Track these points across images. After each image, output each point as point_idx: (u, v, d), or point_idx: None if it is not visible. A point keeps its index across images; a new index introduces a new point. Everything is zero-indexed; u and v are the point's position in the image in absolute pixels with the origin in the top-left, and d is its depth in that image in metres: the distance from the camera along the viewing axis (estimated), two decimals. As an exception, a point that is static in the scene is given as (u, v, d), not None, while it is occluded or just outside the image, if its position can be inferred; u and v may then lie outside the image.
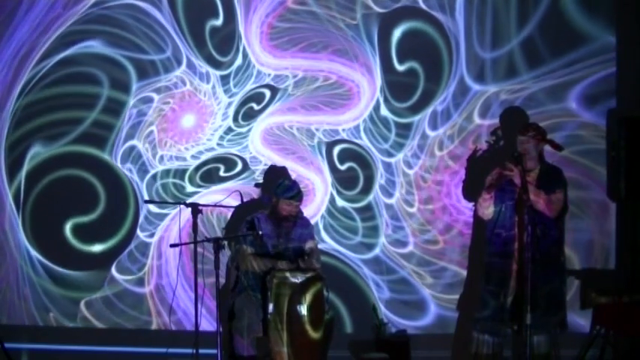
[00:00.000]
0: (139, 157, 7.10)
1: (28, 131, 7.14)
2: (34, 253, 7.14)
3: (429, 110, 7.00)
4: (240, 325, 6.11)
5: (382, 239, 7.04)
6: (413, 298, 7.03)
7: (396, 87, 7.01)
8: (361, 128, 7.03)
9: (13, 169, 7.15)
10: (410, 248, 7.03)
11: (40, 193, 7.15)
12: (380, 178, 7.04)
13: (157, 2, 7.03)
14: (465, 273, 6.96)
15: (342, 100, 7.04)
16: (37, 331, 7.15)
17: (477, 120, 6.98)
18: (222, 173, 7.09)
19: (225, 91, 7.06)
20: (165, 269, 7.11)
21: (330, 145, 7.06)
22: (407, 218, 7.04)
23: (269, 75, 7.05)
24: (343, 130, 7.04)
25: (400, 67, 7.00)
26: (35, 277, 7.14)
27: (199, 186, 7.08)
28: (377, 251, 7.05)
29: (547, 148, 6.23)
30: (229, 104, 7.07)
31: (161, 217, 7.11)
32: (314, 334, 5.95)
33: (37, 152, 7.12)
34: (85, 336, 7.11)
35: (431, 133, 7.01)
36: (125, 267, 7.11)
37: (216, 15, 7.04)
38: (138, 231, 7.10)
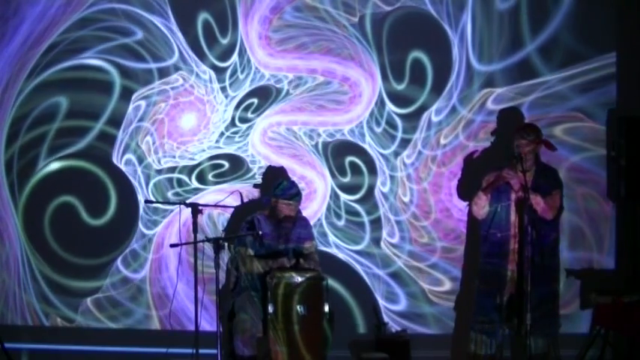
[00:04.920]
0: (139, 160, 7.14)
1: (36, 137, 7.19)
2: (33, 252, 7.15)
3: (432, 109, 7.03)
4: (240, 325, 6.11)
5: (383, 236, 7.05)
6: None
7: (397, 85, 7.04)
8: (363, 129, 7.05)
9: (10, 167, 7.17)
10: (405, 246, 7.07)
11: (40, 189, 7.16)
12: (381, 176, 7.06)
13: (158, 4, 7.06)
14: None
15: (342, 99, 7.05)
16: (37, 331, 7.15)
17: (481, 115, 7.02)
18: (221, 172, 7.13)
19: (224, 92, 7.07)
20: (165, 264, 7.13)
21: (330, 146, 7.07)
22: (403, 213, 7.05)
23: (268, 75, 7.07)
24: (339, 131, 7.07)
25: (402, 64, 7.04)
26: (36, 277, 7.15)
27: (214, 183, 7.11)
28: (376, 248, 7.06)
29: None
30: (228, 105, 7.07)
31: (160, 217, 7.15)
32: (314, 334, 5.95)
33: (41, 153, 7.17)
34: (85, 336, 7.11)
35: (435, 118, 7.03)
36: (127, 264, 7.15)
37: (215, 14, 7.06)
38: (140, 226, 7.13)
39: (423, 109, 7.01)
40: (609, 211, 6.91)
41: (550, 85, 6.94)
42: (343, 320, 6.96)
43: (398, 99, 7.02)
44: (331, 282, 6.35)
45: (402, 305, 7.04)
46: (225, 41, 7.04)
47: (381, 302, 7.03)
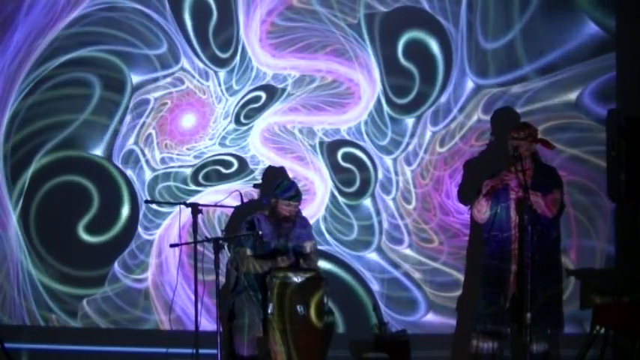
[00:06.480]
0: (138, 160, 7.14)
1: (31, 133, 7.17)
2: (33, 252, 7.15)
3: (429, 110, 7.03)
4: (240, 325, 6.11)
5: (382, 237, 7.05)
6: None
7: (396, 86, 7.04)
8: (362, 128, 7.05)
9: (14, 170, 7.17)
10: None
11: (37, 189, 7.17)
12: (380, 177, 7.06)
13: (158, 4, 7.06)
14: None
15: (342, 99, 7.05)
16: (37, 331, 7.16)
17: (478, 117, 7.00)
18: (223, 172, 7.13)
19: (224, 91, 7.07)
20: (166, 267, 7.13)
21: (331, 145, 7.07)
22: (404, 216, 7.05)
23: (268, 75, 7.07)
24: (336, 130, 7.07)
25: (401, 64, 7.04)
26: (36, 277, 7.15)
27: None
28: (374, 249, 7.06)
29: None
30: (227, 104, 7.07)
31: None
32: (314, 334, 5.95)
33: (41, 150, 7.16)
34: (86, 336, 7.12)
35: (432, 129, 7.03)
36: (126, 265, 7.14)
37: (216, 14, 7.06)
38: (139, 228, 7.13)
39: (423, 110, 7.02)
40: (609, 209, 6.91)
41: (549, 86, 6.94)
42: (343, 320, 6.96)
43: (398, 99, 7.03)
44: (331, 281, 6.35)
45: (403, 305, 7.05)
46: (225, 41, 7.06)
47: (382, 304, 7.04)
